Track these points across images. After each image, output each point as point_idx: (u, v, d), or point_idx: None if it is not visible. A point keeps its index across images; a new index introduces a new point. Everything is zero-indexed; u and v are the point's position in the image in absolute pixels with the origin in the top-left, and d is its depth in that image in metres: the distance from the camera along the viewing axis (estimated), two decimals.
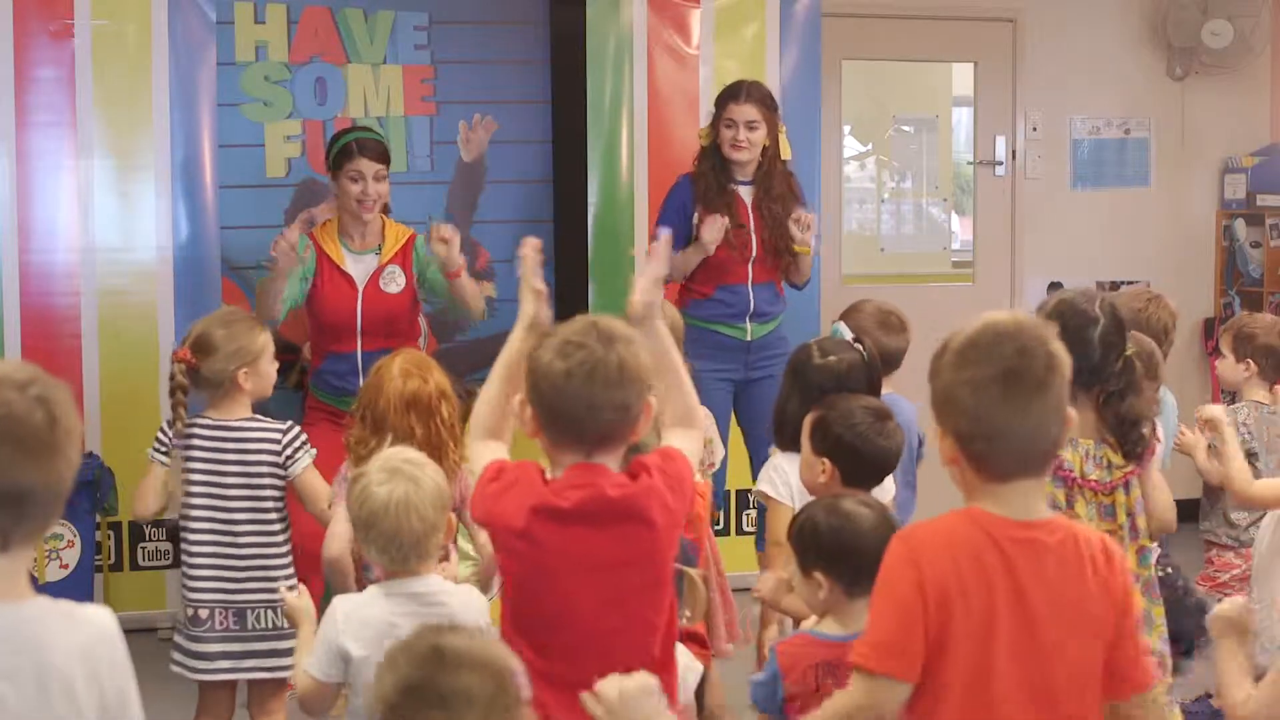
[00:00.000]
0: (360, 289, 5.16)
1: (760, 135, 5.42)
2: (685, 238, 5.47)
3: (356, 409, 3.76)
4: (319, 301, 5.16)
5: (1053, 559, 2.35)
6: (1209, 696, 4.59)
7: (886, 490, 3.54)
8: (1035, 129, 7.50)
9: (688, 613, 3.18)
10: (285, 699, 3.92)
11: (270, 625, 3.94)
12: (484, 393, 2.77)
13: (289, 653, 3.59)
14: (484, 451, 2.73)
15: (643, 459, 2.69)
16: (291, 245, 4.98)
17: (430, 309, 5.61)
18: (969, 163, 7.79)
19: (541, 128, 6.31)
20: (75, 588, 5.05)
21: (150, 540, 5.65)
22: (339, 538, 3.64)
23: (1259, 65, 7.64)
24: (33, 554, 2.08)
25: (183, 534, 4.00)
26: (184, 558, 3.99)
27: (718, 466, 4.57)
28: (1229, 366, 4.85)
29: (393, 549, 2.99)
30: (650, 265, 2.85)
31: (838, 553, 2.89)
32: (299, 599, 3.32)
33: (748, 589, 3.47)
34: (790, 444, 3.60)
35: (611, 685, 2.19)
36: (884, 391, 3.82)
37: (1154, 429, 3.55)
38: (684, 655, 2.92)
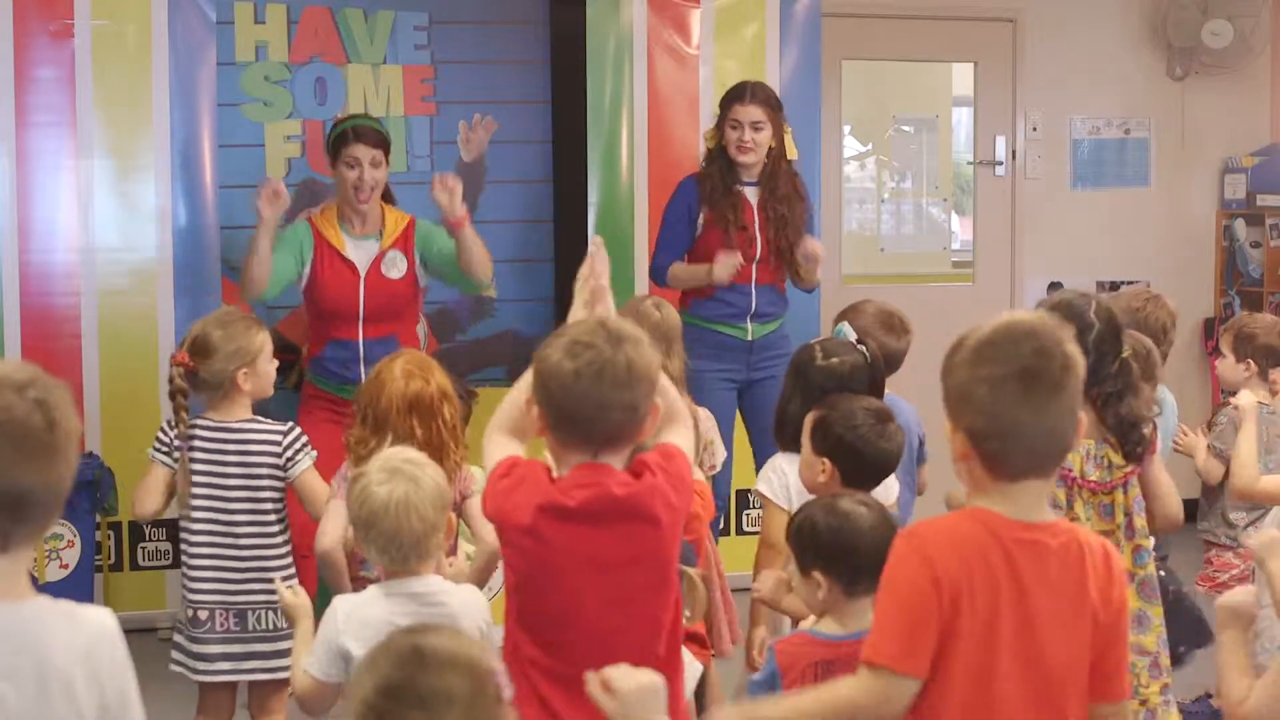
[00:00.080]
0: (362, 275, 5.15)
1: (765, 136, 5.42)
2: (689, 240, 5.48)
3: (357, 409, 3.76)
4: (320, 288, 5.14)
5: (1055, 562, 2.36)
6: (1209, 696, 4.59)
7: (890, 491, 3.54)
8: (1035, 129, 7.50)
9: (688, 613, 3.18)
10: (286, 699, 3.92)
11: (271, 626, 3.94)
12: (514, 390, 2.76)
13: (290, 653, 3.59)
14: (500, 447, 2.72)
15: (644, 458, 2.69)
16: (277, 191, 4.96)
17: (431, 308, 5.61)
18: (969, 163, 7.80)
19: (541, 128, 6.31)
20: (75, 588, 5.05)
21: (150, 540, 5.65)
22: (329, 534, 3.65)
23: (1259, 65, 7.64)
24: (33, 554, 2.08)
25: (182, 535, 4.00)
26: (184, 559, 3.99)
27: (719, 468, 4.57)
28: (1229, 366, 4.85)
29: (393, 549, 2.99)
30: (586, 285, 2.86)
31: (837, 552, 2.89)
32: (296, 596, 3.32)
33: (749, 589, 3.47)
34: (791, 444, 3.60)
35: (626, 678, 2.18)
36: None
37: (1155, 429, 3.55)
38: (684, 655, 2.92)
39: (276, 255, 5.06)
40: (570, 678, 2.53)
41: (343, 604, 3.05)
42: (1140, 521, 3.51)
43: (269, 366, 4.03)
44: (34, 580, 2.10)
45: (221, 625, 3.94)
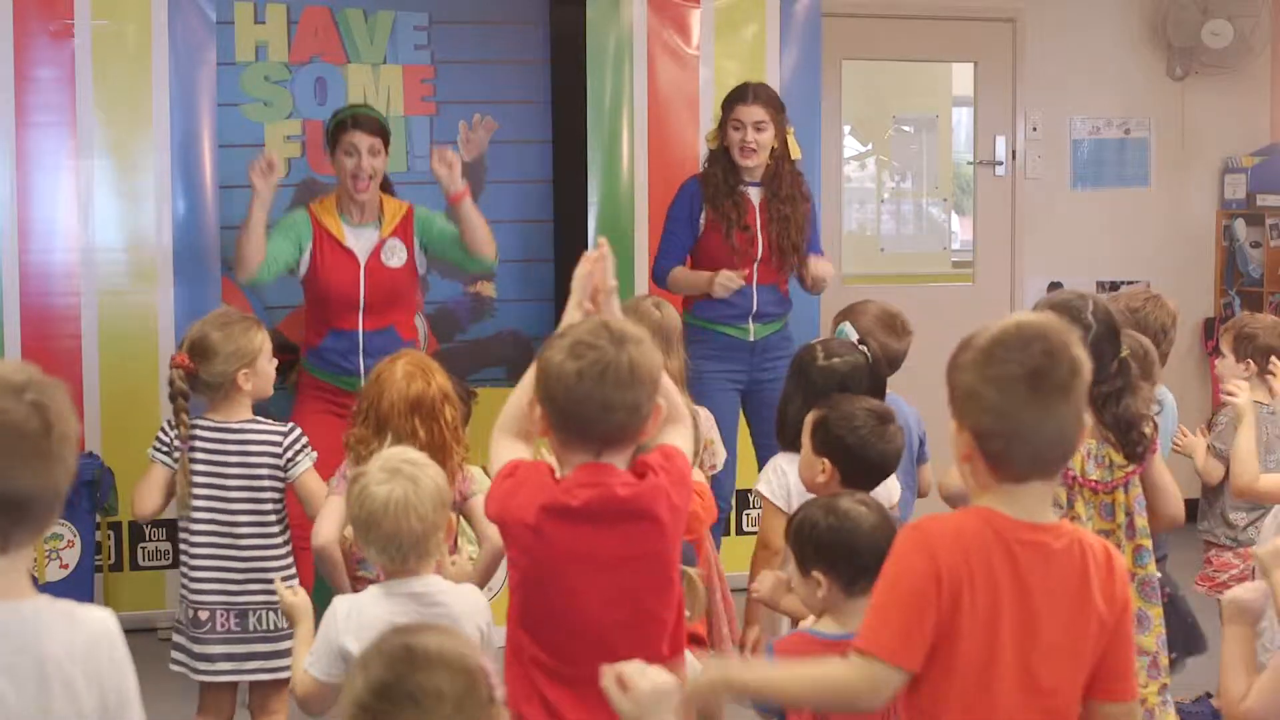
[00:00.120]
0: (362, 263, 5.14)
1: (768, 136, 5.42)
2: (691, 241, 5.48)
3: (359, 410, 3.76)
4: (319, 277, 5.14)
5: (1058, 563, 2.36)
6: (1209, 696, 4.60)
7: (892, 492, 3.54)
8: (1035, 129, 7.50)
9: (688, 613, 3.18)
10: (287, 698, 3.92)
11: (272, 626, 3.94)
12: (517, 391, 2.76)
13: (290, 653, 3.59)
14: (507, 450, 2.73)
15: (645, 458, 2.70)
16: (271, 163, 4.96)
17: (431, 308, 5.61)
18: (969, 163, 7.80)
19: (541, 128, 6.31)
20: (75, 588, 5.05)
21: (150, 540, 5.65)
22: (324, 530, 3.66)
23: (1259, 65, 7.64)
24: (32, 554, 2.08)
25: (182, 536, 4.00)
26: (184, 559, 3.99)
27: (719, 468, 4.56)
28: (1229, 366, 4.85)
29: (392, 549, 2.99)
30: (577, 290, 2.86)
31: (837, 552, 2.89)
32: (296, 596, 3.33)
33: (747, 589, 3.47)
34: (792, 444, 3.60)
35: (643, 676, 2.18)
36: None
37: (1154, 428, 3.55)
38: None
39: (274, 238, 5.07)
40: (573, 677, 2.53)
41: (343, 604, 3.05)
42: (1141, 521, 3.51)
43: (269, 366, 4.03)
44: (34, 580, 2.10)
45: (222, 625, 3.93)
